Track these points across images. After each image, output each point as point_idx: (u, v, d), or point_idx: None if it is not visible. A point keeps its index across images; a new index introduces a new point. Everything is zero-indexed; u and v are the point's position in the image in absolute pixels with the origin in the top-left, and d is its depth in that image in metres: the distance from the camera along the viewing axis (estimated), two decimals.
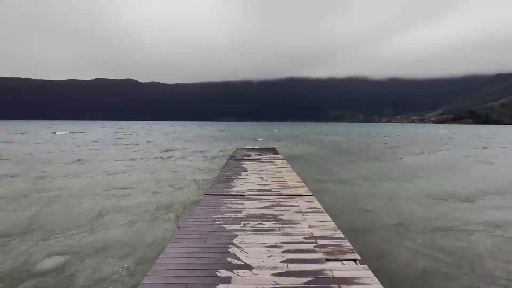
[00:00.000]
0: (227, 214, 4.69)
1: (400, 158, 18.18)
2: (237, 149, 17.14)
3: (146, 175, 11.47)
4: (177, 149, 22.38)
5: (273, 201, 5.50)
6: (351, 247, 3.46)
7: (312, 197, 5.81)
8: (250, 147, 19.24)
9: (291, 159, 14.33)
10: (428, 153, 21.19)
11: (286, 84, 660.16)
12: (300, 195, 5.95)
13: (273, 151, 15.81)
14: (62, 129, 63.04)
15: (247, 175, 8.26)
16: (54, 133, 45.30)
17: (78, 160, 15.45)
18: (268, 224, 4.24)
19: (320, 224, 4.25)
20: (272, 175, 8.20)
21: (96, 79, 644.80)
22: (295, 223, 4.28)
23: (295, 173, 8.56)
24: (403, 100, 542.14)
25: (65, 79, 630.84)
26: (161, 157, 17.46)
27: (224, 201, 5.48)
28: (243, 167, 9.63)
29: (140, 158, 16.58)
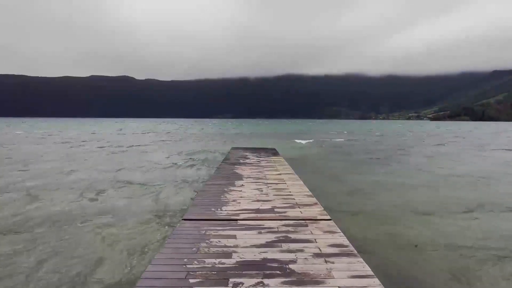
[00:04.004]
0: (209, 261, 3.04)
1: None
2: (232, 149, 15.49)
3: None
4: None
5: (277, 231, 3.87)
6: None
7: (331, 223, 4.19)
8: (247, 147, 17.57)
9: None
10: None
11: (283, 81, 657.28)
12: (315, 219, 4.32)
13: (273, 151, 14.18)
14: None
15: (242, 185, 6.61)
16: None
17: None
18: (272, 285, 2.61)
19: (358, 283, 2.63)
20: (273, 186, 6.55)
21: (92, 76, 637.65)
22: (317, 282, 2.66)
23: (301, 182, 6.93)
24: (400, 97, 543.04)
25: (61, 76, 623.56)
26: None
27: (208, 232, 3.84)
28: (238, 174, 7.97)
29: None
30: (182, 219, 4.35)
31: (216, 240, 3.58)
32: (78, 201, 7.62)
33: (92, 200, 7.80)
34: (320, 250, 3.31)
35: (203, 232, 3.83)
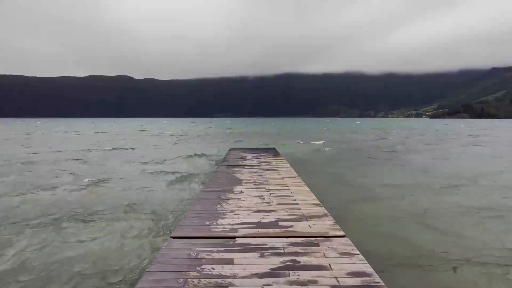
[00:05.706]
0: None
1: None
2: (231, 149, 14.83)
3: None
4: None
5: (283, 253, 3.22)
6: None
7: (347, 241, 3.52)
8: (246, 147, 16.93)
9: None
10: None
11: (282, 80, 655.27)
12: (326, 236, 3.67)
13: (273, 151, 13.53)
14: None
15: (241, 192, 5.95)
16: None
17: None
18: None
19: None
20: (276, 192, 5.89)
21: (90, 76, 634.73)
22: None
23: (307, 188, 6.27)
24: (399, 95, 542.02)
25: (59, 76, 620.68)
26: None
27: (200, 255, 3.18)
28: (237, 178, 7.31)
29: None
30: (171, 237, 3.70)
31: (209, 267, 2.93)
32: None
33: None
34: (338, 281, 2.66)
35: (194, 255, 3.18)
